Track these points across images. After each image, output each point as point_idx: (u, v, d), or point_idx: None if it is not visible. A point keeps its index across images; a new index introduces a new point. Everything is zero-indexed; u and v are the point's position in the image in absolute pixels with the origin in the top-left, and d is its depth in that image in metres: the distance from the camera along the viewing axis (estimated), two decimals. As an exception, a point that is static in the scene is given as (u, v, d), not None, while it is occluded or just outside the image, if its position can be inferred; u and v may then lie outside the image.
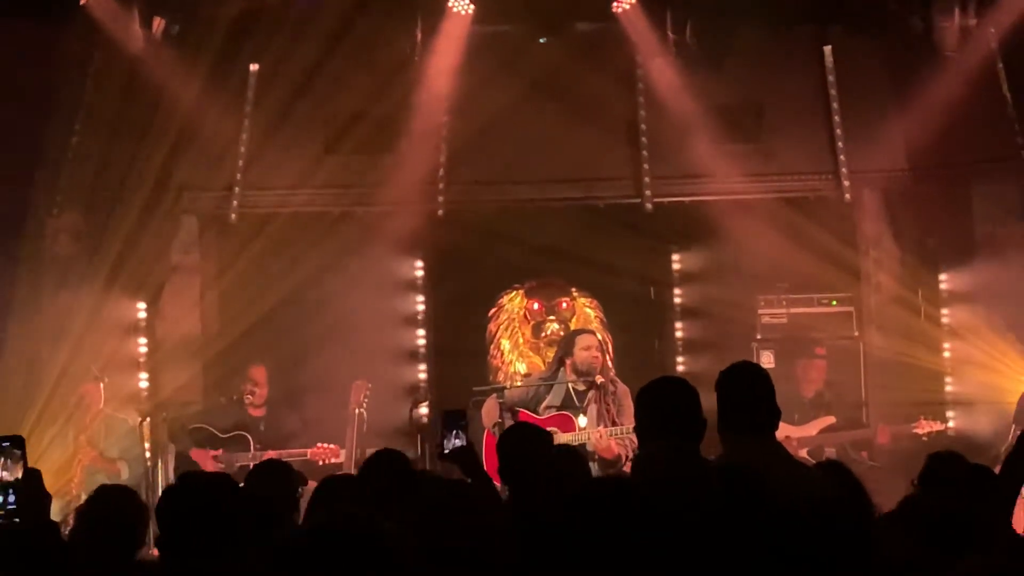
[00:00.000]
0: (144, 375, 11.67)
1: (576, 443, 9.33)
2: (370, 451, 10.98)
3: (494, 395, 9.88)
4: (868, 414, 11.37)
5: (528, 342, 12.44)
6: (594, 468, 9.21)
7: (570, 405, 9.61)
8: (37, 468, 4.41)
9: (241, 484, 5.92)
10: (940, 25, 11.11)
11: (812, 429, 10.68)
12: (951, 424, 11.33)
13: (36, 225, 11.23)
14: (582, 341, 9.76)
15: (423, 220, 11.89)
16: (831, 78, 11.81)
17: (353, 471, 10.30)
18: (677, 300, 12.41)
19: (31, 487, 4.34)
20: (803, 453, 10.23)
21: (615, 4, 11.24)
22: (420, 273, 12.35)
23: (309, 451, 10.40)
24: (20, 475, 4.36)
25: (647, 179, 11.82)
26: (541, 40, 11.71)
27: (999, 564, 3.19)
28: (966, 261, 11.63)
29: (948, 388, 11.67)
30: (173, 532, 4.08)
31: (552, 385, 9.71)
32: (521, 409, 9.64)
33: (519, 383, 10.95)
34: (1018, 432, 7.17)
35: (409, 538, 3.00)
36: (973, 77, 11.09)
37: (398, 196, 11.69)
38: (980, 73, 11.12)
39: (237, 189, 11.77)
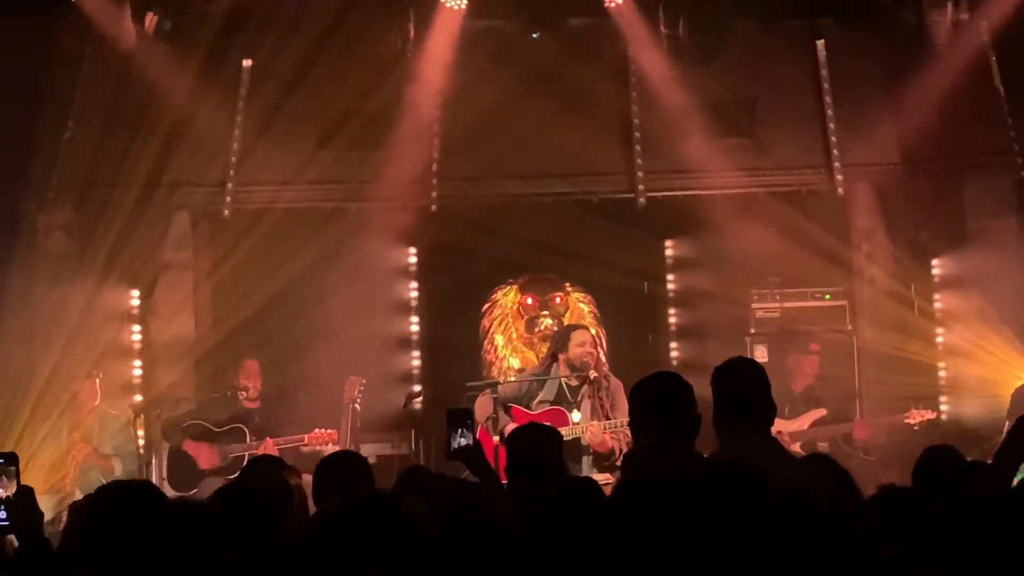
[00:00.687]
0: (138, 371, 11.67)
1: (570, 437, 9.34)
2: (364, 446, 11.09)
3: (487, 390, 9.86)
4: (862, 407, 11.39)
5: (522, 337, 12.44)
6: (588, 462, 9.25)
7: (563, 400, 9.61)
8: (30, 486, 4.41)
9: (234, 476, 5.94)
10: (932, 19, 11.14)
11: (804, 423, 10.69)
12: (944, 412, 11.34)
13: (29, 221, 11.22)
14: (576, 337, 9.75)
15: (416, 215, 11.90)
16: (824, 72, 11.82)
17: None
18: (670, 294, 12.42)
19: (24, 504, 4.34)
20: (796, 447, 10.24)
21: (607, -1, 11.27)
22: (413, 268, 12.35)
23: (307, 436, 10.37)
24: (13, 492, 4.37)
25: (640, 174, 11.83)
26: (534, 35, 11.71)
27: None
28: (958, 254, 11.64)
29: (941, 381, 11.67)
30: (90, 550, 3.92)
31: (545, 380, 9.71)
32: (514, 404, 9.64)
33: (512, 378, 10.96)
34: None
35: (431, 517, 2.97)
36: (965, 71, 11.12)
37: (391, 191, 11.68)
38: (972, 67, 11.14)
39: (230, 185, 11.77)
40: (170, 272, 11.89)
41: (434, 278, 12.32)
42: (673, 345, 12.29)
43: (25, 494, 4.35)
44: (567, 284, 12.47)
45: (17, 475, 4.40)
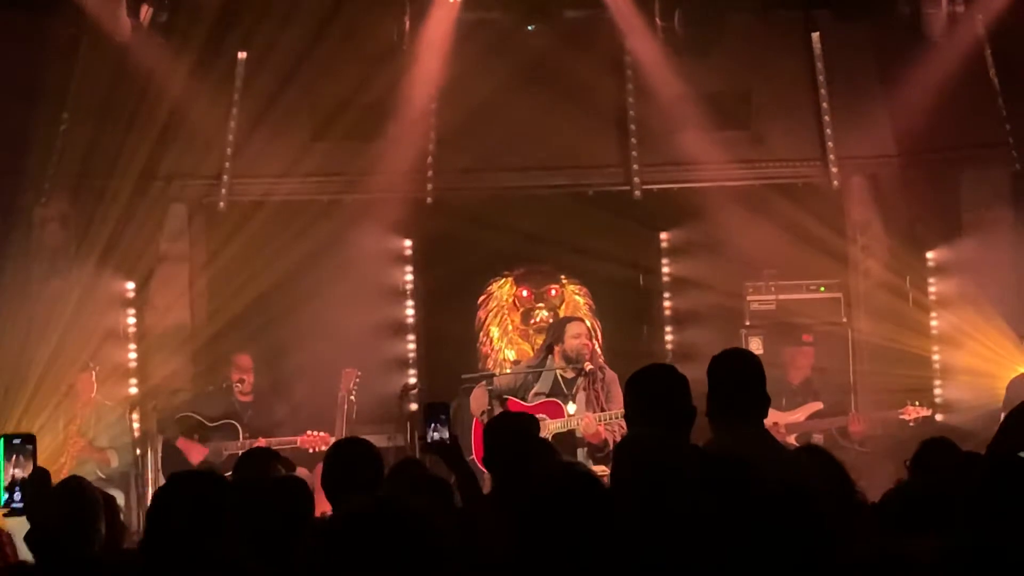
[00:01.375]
0: (132, 362, 11.66)
1: (565, 429, 9.36)
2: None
3: (483, 382, 9.89)
4: (856, 400, 11.40)
5: (517, 329, 12.45)
6: (582, 454, 9.27)
7: (558, 392, 9.63)
8: (46, 468, 4.40)
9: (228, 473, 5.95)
10: (928, 11, 11.14)
11: (800, 415, 10.70)
12: (938, 402, 11.36)
13: (24, 214, 11.21)
14: (572, 329, 9.77)
15: (411, 207, 11.90)
16: (819, 64, 11.82)
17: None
18: (666, 286, 12.41)
19: (39, 486, 4.33)
20: (791, 439, 10.25)
21: (603, -9, 11.26)
22: (409, 260, 12.34)
23: (299, 439, 10.39)
24: (29, 473, 4.35)
25: (635, 166, 11.84)
26: (529, 27, 11.70)
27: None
28: (953, 246, 11.65)
29: (936, 373, 11.69)
30: (163, 531, 4.06)
31: (540, 372, 9.73)
32: (509, 397, 9.65)
33: (508, 370, 10.97)
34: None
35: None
36: (960, 63, 11.12)
37: (386, 183, 11.68)
38: (967, 59, 11.15)
39: (225, 177, 11.77)
40: (166, 264, 11.89)
41: (430, 270, 12.32)
42: (668, 337, 12.29)
43: (41, 475, 4.34)
44: (562, 276, 12.47)
45: (34, 456, 4.38)
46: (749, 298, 11.72)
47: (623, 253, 12.04)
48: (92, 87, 11.02)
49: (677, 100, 11.55)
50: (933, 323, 11.76)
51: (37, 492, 4.33)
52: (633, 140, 11.85)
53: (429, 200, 11.81)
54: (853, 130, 11.77)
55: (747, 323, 11.66)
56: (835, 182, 11.83)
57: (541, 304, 12.42)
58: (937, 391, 11.54)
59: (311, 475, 8.18)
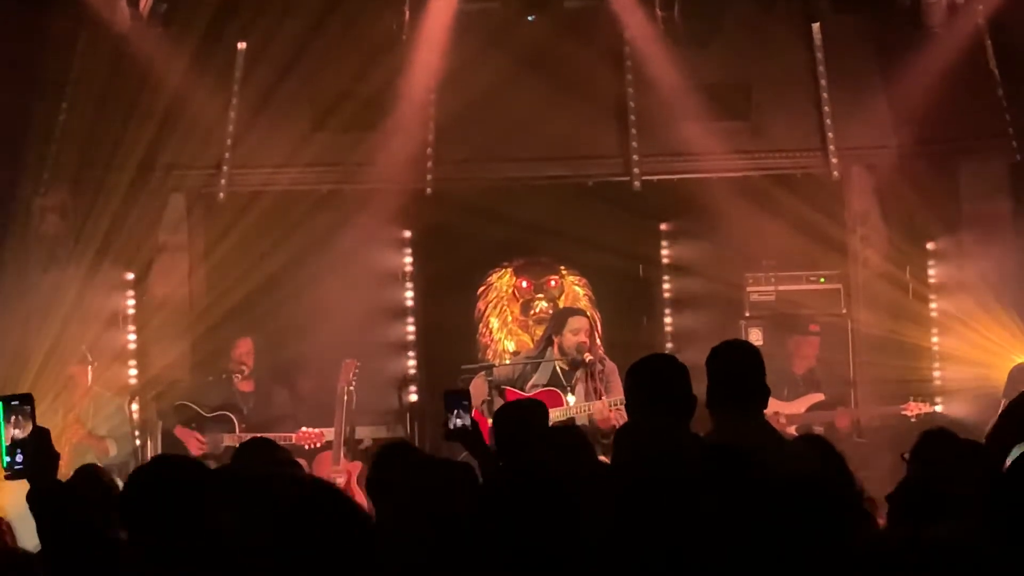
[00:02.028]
0: (132, 353, 11.67)
1: (564, 418, 9.36)
2: (360, 428, 11.10)
3: (482, 373, 9.89)
4: (856, 391, 11.41)
5: (517, 320, 12.45)
6: (598, 450, 9.26)
7: (557, 384, 9.64)
8: (46, 427, 4.37)
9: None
10: (928, 1, 11.13)
11: (801, 406, 10.71)
12: (937, 390, 11.38)
13: (23, 204, 11.20)
14: (572, 323, 9.75)
15: (411, 198, 11.89)
16: (819, 55, 11.79)
17: (342, 450, 10.34)
18: (665, 278, 12.42)
19: (40, 445, 4.30)
20: (791, 430, 10.25)
21: (603, -19, 11.25)
22: (408, 250, 12.34)
23: (294, 436, 10.39)
24: (29, 433, 4.32)
25: (635, 157, 11.81)
26: (529, 18, 11.68)
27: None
28: (953, 237, 11.65)
29: (935, 364, 11.70)
30: (140, 516, 4.08)
31: (540, 363, 9.73)
32: (508, 387, 9.66)
33: (507, 361, 10.97)
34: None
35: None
36: (961, 54, 11.12)
37: (386, 174, 11.67)
38: (968, 49, 11.15)
39: (225, 167, 11.75)
40: (165, 254, 11.88)
41: (429, 260, 12.32)
42: (668, 328, 12.30)
43: (41, 435, 4.32)
44: (562, 267, 12.47)
45: (33, 416, 4.35)
46: (749, 289, 11.72)
47: (623, 244, 12.04)
48: (91, 77, 11.01)
49: (677, 91, 11.53)
50: (933, 314, 11.76)
51: (38, 452, 4.30)
52: (633, 131, 11.82)
53: (428, 191, 11.80)
54: (853, 121, 11.75)
55: (747, 314, 11.67)
56: (835, 173, 11.81)
57: (541, 295, 12.43)
58: (937, 382, 11.54)
59: (309, 468, 8.20)
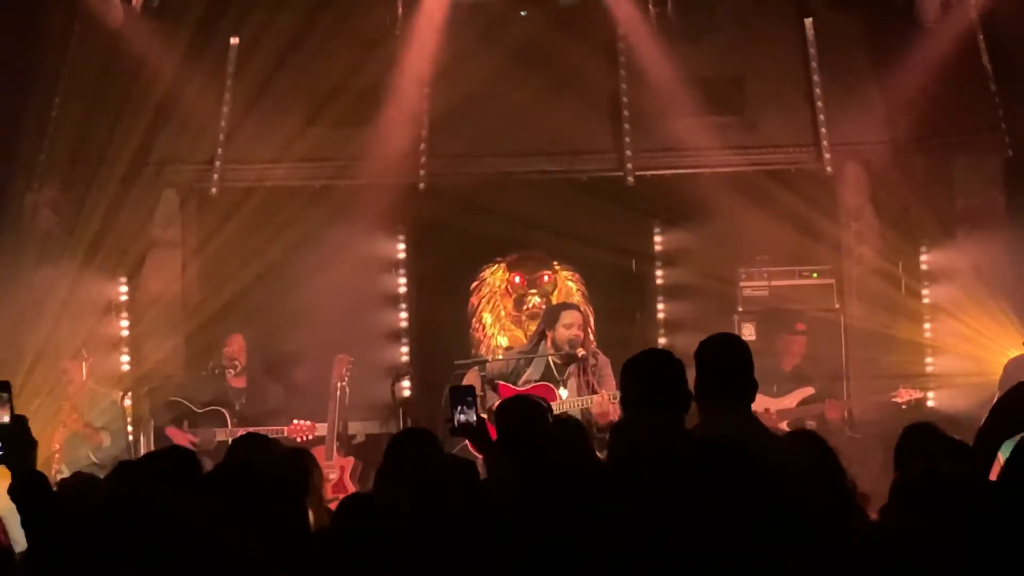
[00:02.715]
0: (125, 348, 11.67)
1: (557, 413, 9.35)
2: (352, 424, 11.09)
3: (475, 367, 9.88)
4: (848, 385, 11.42)
5: (510, 315, 12.45)
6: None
7: (550, 378, 9.62)
8: (23, 414, 4.36)
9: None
10: (921, -3, 11.14)
11: (791, 401, 10.72)
12: (930, 387, 11.38)
13: (16, 200, 11.19)
14: (565, 317, 9.74)
15: (404, 193, 11.87)
16: (812, 50, 11.79)
17: (335, 445, 10.34)
18: (659, 273, 12.43)
19: (18, 433, 4.29)
20: (782, 425, 10.27)
21: (596, -24, 11.24)
22: (401, 246, 12.35)
23: (286, 428, 10.40)
24: (7, 420, 4.31)
25: (629, 152, 11.81)
26: (522, 12, 11.69)
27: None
28: (947, 233, 11.66)
29: (928, 359, 11.71)
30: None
31: (533, 358, 9.73)
32: (501, 382, 9.65)
33: (500, 356, 10.97)
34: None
35: None
36: (954, 49, 11.12)
37: (379, 169, 11.66)
38: (961, 45, 11.15)
39: (218, 162, 11.74)
40: (158, 250, 11.88)
41: (422, 256, 12.32)
42: (661, 323, 12.31)
43: (19, 422, 4.31)
44: (555, 262, 12.47)
45: (11, 404, 4.34)
46: (742, 284, 11.72)
47: (616, 239, 12.04)
48: (84, 72, 11.00)
49: (670, 86, 11.53)
50: (926, 311, 11.77)
51: (16, 439, 4.28)
52: (626, 126, 11.82)
53: (422, 186, 11.78)
54: (846, 116, 11.75)
55: (740, 309, 11.66)
56: (828, 168, 11.81)
57: (534, 290, 12.43)
58: (930, 376, 11.54)
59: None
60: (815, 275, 11.75)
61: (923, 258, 11.85)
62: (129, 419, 10.74)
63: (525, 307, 12.34)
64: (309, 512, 5.02)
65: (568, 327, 9.61)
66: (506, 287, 12.48)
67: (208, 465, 5.31)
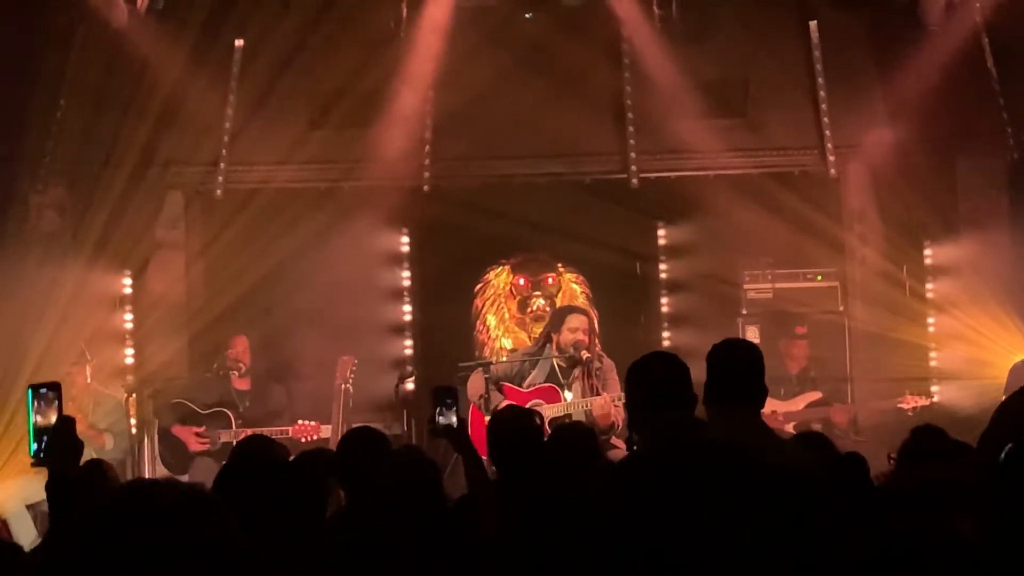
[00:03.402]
0: (130, 350, 11.67)
1: (562, 414, 9.37)
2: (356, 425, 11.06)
3: (480, 369, 9.89)
4: (853, 388, 11.41)
5: (514, 317, 12.45)
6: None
7: (555, 381, 9.64)
8: (71, 415, 4.37)
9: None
10: (925, -1, 11.14)
11: (798, 404, 10.72)
12: (935, 392, 11.36)
13: (21, 200, 11.19)
14: (570, 321, 9.76)
15: (408, 195, 11.89)
16: (816, 52, 11.79)
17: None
18: (663, 275, 12.42)
19: (63, 434, 4.29)
20: (789, 428, 10.26)
21: (600, -22, 11.25)
22: (406, 248, 12.35)
23: (291, 429, 10.40)
24: (54, 422, 4.32)
25: (633, 154, 11.82)
26: (527, 15, 11.70)
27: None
28: (951, 234, 11.66)
29: (933, 362, 11.70)
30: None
31: (538, 360, 9.73)
32: (506, 383, 9.66)
33: (505, 358, 10.98)
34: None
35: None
36: (958, 51, 11.12)
37: (383, 171, 11.67)
38: (965, 47, 11.15)
39: (222, 164, 11.75)
40: (162, 251, 11.89)
41: (426, 258, 12.32)
42: (665, 325, 12.30)
43: (66, 423, 4.31)
44: (559, 264, 12.47)
45: (59, 405, 4.34)
46: (746, 286, 11.73)
47: (620, 241, 12.04)
48: (88, 73, 11.00)
49: (674, 88, 11.54)
50: (930, 312, 11.76)
51: (62, 440, 4.29)
52: (630, 128, 11.82)
53: (426, 188, 11.80)
54: (850, 118, 11.76)
55: (744, 311, 11.66)
56: (832, 170, 11.81)
57: (538, 292, 12.42)
58: (934, 378, 11.53)
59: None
60: (819, 277, 11.76)
61: (927, 260, 11.84)
62: (133, 421, 10.73)
63: (529, 309, 12.34)
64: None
65: (573, 331, 9.63)
66: (510, 289, 12.48)
67: (213, 467, 5.32)
